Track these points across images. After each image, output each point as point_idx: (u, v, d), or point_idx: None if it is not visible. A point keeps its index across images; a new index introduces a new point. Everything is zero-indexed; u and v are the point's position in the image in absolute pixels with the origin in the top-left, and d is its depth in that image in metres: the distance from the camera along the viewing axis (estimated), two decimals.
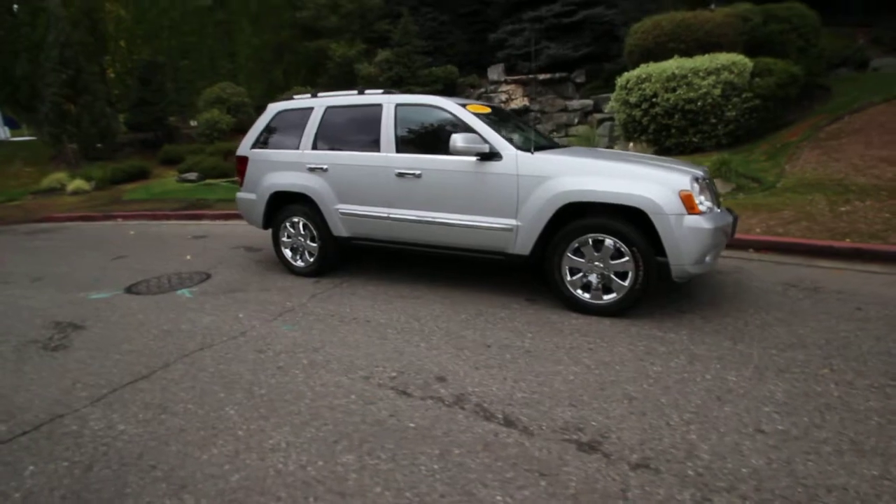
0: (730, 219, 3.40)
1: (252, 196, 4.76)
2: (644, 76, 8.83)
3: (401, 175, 3.89)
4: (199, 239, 6.75)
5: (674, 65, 8.51)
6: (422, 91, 13.58)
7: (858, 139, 7.09)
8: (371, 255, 5.22)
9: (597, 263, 3.36)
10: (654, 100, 8.70)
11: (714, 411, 2.27)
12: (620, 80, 9.32)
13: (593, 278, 3.38)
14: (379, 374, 2.72)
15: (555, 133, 13.35)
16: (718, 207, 3.42)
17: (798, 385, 2.46)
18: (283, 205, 4.62)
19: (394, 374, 2.73)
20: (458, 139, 3.49)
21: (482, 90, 15.30)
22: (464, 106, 3.84)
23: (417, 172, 3.83)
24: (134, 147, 15.21)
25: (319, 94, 4.54)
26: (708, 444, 2.04)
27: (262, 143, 4.71)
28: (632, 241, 3.20)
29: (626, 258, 3.24)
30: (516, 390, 2.50)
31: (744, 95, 8.15)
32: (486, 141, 3.56)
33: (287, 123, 4.60)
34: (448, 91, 15.05)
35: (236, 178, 5.10)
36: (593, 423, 2.21)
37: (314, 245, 4.51)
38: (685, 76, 8.35)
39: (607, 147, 10.72)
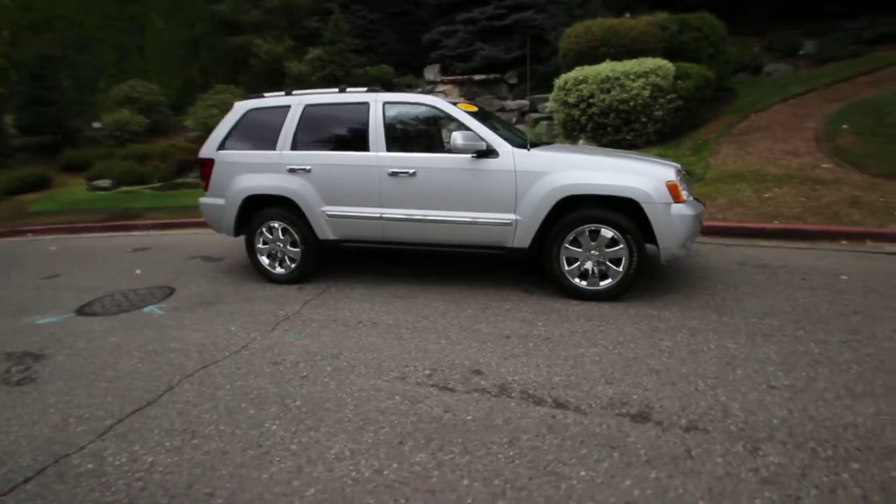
0: (702, 207, 3.79)
1: (220, 201, 4.45)
2: (581, 78, 9.40)
3: (394, 174, 3.86)
4: (141, 251, 6.15)
5: (607, 68, 9.16)
6: None
7: (765, 135, 8.12)
8: (349, 257, 5.09)
9: (593, 252, 3.58)
10: (590, 100, 9.29)
11: (729, 375, 2.54)
12: (559, 82, 9.84)
13: (590, 266, 3.60)
14: (413, 374, 2.71)
15: None
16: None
17: (785, 346, 2.82)
18: (258, 209, 4.36)
19: (427, 371, 2.73)
20: (458, 137, 3.54)
21: (419, 90, 15.34)
22: (455, 104, 3.89)
23: (412, 171, 3.82)
24: (29, 152, 13.37)
25: (294, 92, 4.35)
26: (737, 403, 2.30)
27: (230, 143, 4.41)
28: (626, 230, 3.45)
29: (621, 245, 3.49)
30: (552, 375, 2.62)
31: (669, 97, 8.96)
32: (482, 138, 3.64)
33: (259, 123, 4.35)
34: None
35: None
36: (634, 397, 2.38)
37: (295, 250, 4.32)
38: (618, 78, 9.01)
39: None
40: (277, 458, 2.06)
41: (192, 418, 2.40)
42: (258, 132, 4.35)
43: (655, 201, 3.38)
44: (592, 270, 3.60)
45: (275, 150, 4.23)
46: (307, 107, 4.19)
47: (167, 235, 7.17)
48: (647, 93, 8.87)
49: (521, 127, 13.22)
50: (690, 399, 2.34)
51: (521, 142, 3.78)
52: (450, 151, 3.72)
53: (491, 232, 3.74)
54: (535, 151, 3.66)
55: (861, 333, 2.93)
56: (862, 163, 6.53)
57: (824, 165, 6.76)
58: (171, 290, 4.44)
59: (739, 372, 2.57)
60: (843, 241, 4.91)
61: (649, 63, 9.02)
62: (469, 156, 3.69)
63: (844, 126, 7.53)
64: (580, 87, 9.39)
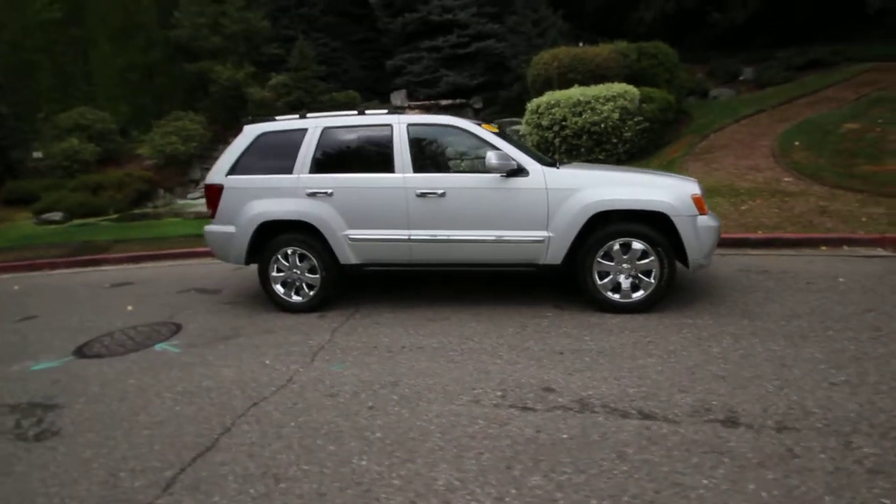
0: (719, 219, 4.01)
1: (230, 229, 4.22)
2: (553, 102, 9.81)
3: (423, 195, 3.83)
4: (122, 287, 5.70)
5: (578, 92, 9.62)
6: None
7: (727, 152, 8.76)
8: (364, 283, 4.94)
9: (624, 265, 3.68)
10: (563, 123, 9.69)
11: (788, 375, 2.67)
12: (531, 105, 10.21)
13: (622, 279, 3.70)
14: (485, 396, 2.65)
15: None
16: None
17: (824, 346, 3.00)
18: (272, 236, 4.18)
19: (499, 393, 2.67)
20: (493, 157, 3.58)
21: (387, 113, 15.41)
22: (479, 125, 3.95)
23: (441, 191, 3.80)
24: None
25: (308, 115, 4.25)
26: (809, 401, 2.41)
27: (240, 168, 4.22)
28: (656, 242, 3.59)
29: (651, 258, 3.62)
30: (625, 387, 2.64)
31: (636, 119, 9.51)
32: (513, 158, 3.70)
33: (272, 147, 4.21)
34: None
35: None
36: (714, 403, 2.44)
37: (314, 277, 4.15)
38: (589, 102, 9.48)
39: None
40: (384, 495, 1.93)
41: (266, 460, 2.21)
42: (271, 156, 4.20)
43: (683, 214, 3.54)
44: (626, 283, 3.69)
45: (292, 174, 4.09)
46: (325, 129, 4.10)
47: (144, 269, 6.69)
48: (616, 115, 9.38)
49: None
50: (766, 401, 2.43)
51: (548, 160, 3.87)
52: (477, 171, 3.75)
53: (523, 249, 3.77)
54: (564, 169, 3.76)
55: (882, 330, 3.17)
56: (818, 175, 7.17)
57: (786, 179, 7.36)
58: (178, 326, 4.12)
59: (796, 372, 2.70)
60: (823, 247, 5.32)
61: (616, 88, 9.57)
62: (498, 175, 3.74)
63: (796, 143, 8.28)
64: (553, 110, 9.78)
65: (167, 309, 4.65)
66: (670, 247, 3.61)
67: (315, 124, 4.13)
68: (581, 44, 12.62)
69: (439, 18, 14.58)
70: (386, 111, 4.15)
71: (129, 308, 4.76)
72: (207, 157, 15.72)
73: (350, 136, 4.12)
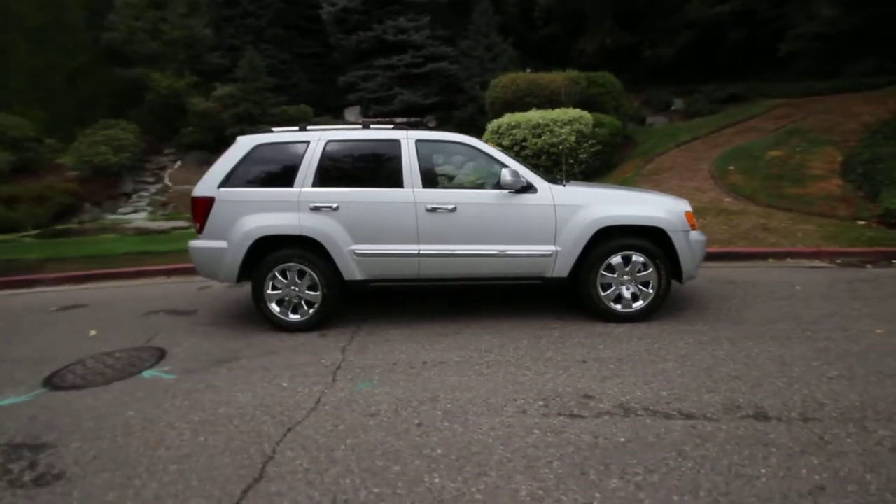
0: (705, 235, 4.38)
1: (220, 244, 3.96)
2: (514, 123, 10.22)
3: (433, 210, 3.84)
4: (73, 310, 5.12)
5: (537, 115, 10.10)
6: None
7: (672, 174, 9.56)
8: (353, 300, 4.80)
9: (625, 277, 3.90)
10: (523, 143, 10.11)
11: (791, 373, 2.95)
12: (491, 126, 10.57)
13: (624, 290, 3.91)
14: (528, 407, 2.68)
15: None
16: None
17: (809, 345, 3.36)
18: (269, 251, 3.97)
19: (541, 402, 2.72)
20: (507, 174, 3.70)
21: None
22: (485, 143, 4.05)
23: (451, 207, 3.84)
24: None
25: (309, 128, 4.13)
26: (818, 393, 2.68)
27: (234, 181, 4.00)
28: (654, 255, 3.85)
29: (650, 270, 3.87)
30: (657, 390, 2.79)
31: (591, 142, 10.14)
32: (522, 175, 3.83)
33: (270, 159, 4.04)
34: None
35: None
36: (740, 400, 2.65)
37: (315, 294, 3.99)
38: (548, 125, 9.98)
39: None
40: None
41: (329, 486, 2.09)
42: (269, 168, 4.03)
43: (678, 229, 3.84)
44: (627, 294, 3.91)
45: (292, 187, 3.94)
46: (329, 142, 4.01)
47: (90, 290, 6.04)
48: (573, 138, 9.94)
49: None
50: (783, 396, 2.68)
51: (551, 178, 4.05)
52: (483, 187, 3.86)
53: (532, 263, 3.88)
54: (569, 187, 3.94)
55: (850, 330, 3.60)
56: (754, 196, 8.03)
57: (727, 199, 8.17)
58: (162, 351, 3.77)
59: (797, 370, 2.99)
60: (770, 260, 5.95)
61: (572, 113, 10.17)
62: (506, 191, 3.85)
63: (731, 167, 9.22)
64: (513, 131, 10.19)
65: (139, 333, 4.24)
66: (667, 259, 3.89)
67: (318, 137, 4.02)
68: (528, 70, 13.34)
69: (394, 38, 14.76)
70: (391, 126, 4.14)
71: (93, 333, 4.28)
72: (140, 168, 14.64)
73: (354, 150, 4.06)
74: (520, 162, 4.09)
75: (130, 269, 6.70)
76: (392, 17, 14.91)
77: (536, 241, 3.86)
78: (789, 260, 5.89)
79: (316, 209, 3.90)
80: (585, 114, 10.21)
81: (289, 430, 2.55)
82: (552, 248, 3.86)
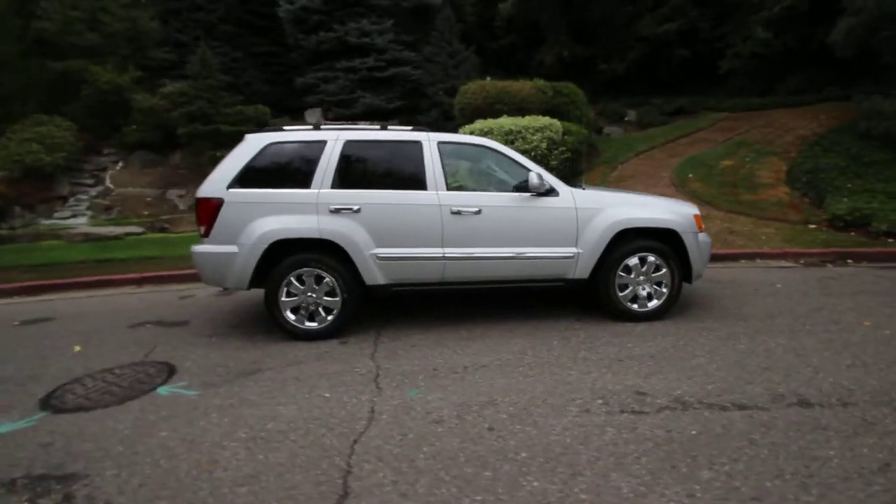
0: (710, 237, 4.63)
1: (230, 248, 3.70)
2: (486, 129, 10.36)
3: (458, 213, 3.80)
4: (40, 324, 4.58)
5: (510, 122, 10.31)
6: (233, 130, 12.22)
7: (636, 181, 10.07)
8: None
9: (641, 277, 4.06)
10: None
11: (811, 363, 3.19)
12: (464, 131, 10.63)
13: (641, 290, 4.06)
14: (588, 405, 2.71)
15: None
16: None
17: (813, 337, 3.64)
18: (284, 256, 3.76)
19: (599, 401, 2.76)
20: (534, 177, 3.74)
21: None
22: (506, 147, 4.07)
23: (476, 209, 3.82)
24: None
25: (323, 127, 3.96)
26: (844, 380, 2.92)
27: (244, 181, 3.75)
28: (668, 256, 4.03)
29: (664, 270, 4.05)
30: (703, 384, 2.92)
31: (560, 149, 10.48)
32: (545, 178, 3.89)
33: (284, 159, 3.84)
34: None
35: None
36: (780, 390, 2.83)
37: (334, 300, 3.82)
38: (520, 132, 10.21)
39: None
40: None
41: (426, 497, 1.99)
42: (283, 169, 3.83)
43: (689, 231, 4.05)
44: (644, 294, 4.06)
45: (310, 188, 3.76)
46: (347, 143, 3.86)
47: (51, 301, 5.43)
48: (544, 145, 10.23)
49: None
50: (815, 384, 2.88)
51: (569, 183, 4.14)
52: (505, 190, 3.90)
53: (555, 265, 3.94)
54: (588, 190, 4.05)
55: (841, 323, 3.95)
56: (715, 202, 8.63)
57: None
58: (171, 366, 3.45)
59: (815, 360, 3.24)
60: (742, 261, 6.42)
61: (543, 121, 10.47)
62: (529, 194, 3.89)
63: (690, 175, 9.87)
64: (486, 137, 10.34)
65: (132, 347, 3.86)
66: (679, 260, 4.08)
67: (336, 136, 3.87)
68: (488, 77, 13.60)
69: (356, 41, 14.50)
70: (411, 127, 4.06)
71: (77, 349, 3.84)
72: (77, 169, 13.40)
73: (374, 151, 3.94)
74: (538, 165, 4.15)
75: (91, 278, 6.09)
76: (355, 20, 14.64)
77: (559, 244, 3.93)
78: (759, 260, 6.38)
79: (336, 211, 3.74)
80: (556, 122, 10.54)
81: (354, 441, 2.41)
82: (574, 250, 3.94)
